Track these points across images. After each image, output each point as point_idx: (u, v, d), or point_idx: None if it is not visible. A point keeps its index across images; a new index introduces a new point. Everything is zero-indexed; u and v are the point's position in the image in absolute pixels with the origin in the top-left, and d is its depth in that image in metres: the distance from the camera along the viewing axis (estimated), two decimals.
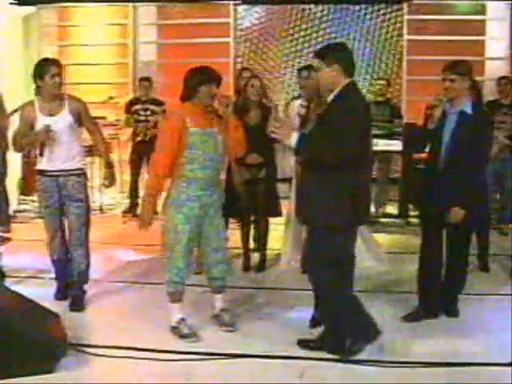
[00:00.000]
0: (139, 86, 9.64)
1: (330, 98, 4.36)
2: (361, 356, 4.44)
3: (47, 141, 5.27)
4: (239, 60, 11.07)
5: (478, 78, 7.42)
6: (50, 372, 4.13)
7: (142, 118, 9.26)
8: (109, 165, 5.65)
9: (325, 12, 10.91)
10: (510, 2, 10.30)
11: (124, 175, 9.77)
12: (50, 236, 5.54)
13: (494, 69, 10.22)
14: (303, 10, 10.95)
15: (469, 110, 4.92)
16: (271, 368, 4.34)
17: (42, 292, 5.59)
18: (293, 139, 4.29)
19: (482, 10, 10.75)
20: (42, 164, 5.41)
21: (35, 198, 9.58)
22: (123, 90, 10.85)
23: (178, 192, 4.74)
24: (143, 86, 9.51)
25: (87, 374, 4.21)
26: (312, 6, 10.95)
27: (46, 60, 5.48)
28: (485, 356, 4.45)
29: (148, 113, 9.28)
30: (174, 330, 4.85)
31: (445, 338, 4.80)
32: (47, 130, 5.22)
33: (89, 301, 5.53)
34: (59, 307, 5.11)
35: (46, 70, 5.29)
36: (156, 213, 4.86)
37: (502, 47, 10.60)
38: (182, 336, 4.80)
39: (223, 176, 6.31)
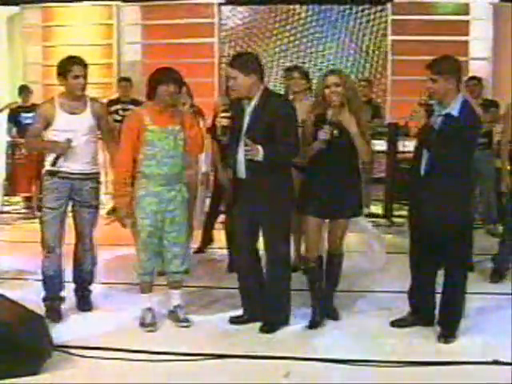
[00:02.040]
0: (118, 87, 9.67)
1: (253, 104, 4.76)
2: (350, 355, 4.46)
3: (64, 155, 5.04)
4: (224, 60, 11.07)
5: None
6: (35, 374, 4.11)
7: (121, 118, 9.24)
8: None
9: (309, 12, 10.96)
10: (492, 2, 10.40)
11: (108, 176, 9.73)
12: (47, 245, 5.16)
13: (477, 69, 10.28)
14: (288, 10, 10.98)
15: (455, 112, 4.54)
16: (257, 368, 4.34)
17: (27, 293, 5.56)
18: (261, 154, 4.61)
19: (465, 11, 10.82)
20: (56, 165, 5.10)
21: (20, 199, 9.62)
22: (108, 91, 10.83)
23: (137, 188, 4.90)
24: (122, 86, 9.57)
25: (72, 376, 4.19)
26: (297, 6, 10.99)
27: (70, 59, 5.21)
28: (475, 355, 4.47)
29: (127, 113, 9.25)
30: (140, 317, 5.04)
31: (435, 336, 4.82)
32: (68, 144, 5.01)
33: (72, 301, 5.50)
34: (43, 309, 5.09)
35: (68, 69, 5.09)
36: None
37: (486, 47, 10.68)
38: (141, 324, 4.99)
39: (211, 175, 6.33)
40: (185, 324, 5.04)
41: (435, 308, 4.95)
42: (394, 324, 5.01)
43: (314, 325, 5.02)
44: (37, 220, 6.71)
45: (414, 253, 4.94)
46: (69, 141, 5.02)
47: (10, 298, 4.57)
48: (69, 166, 5.12)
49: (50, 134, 5.14)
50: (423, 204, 4.70)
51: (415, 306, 5.02)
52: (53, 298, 5.26)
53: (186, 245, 5.18)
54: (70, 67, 5.11)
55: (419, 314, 5.00)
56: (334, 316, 5.18)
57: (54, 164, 5.08)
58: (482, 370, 4.27)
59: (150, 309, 5.06)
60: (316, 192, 4.95)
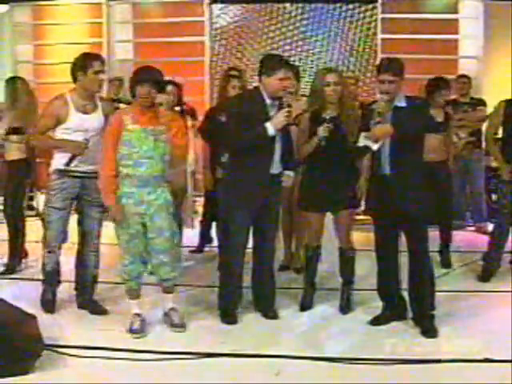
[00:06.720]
0: (110, 86, 9.67)
1: None
2: (341, 354, 4.49)
3: (79, 155, 4.97)
4: (214, 59, 11.07)
5: (451, 77, 7.54)
6: (26, 373, 4.11)
7: None
8: None
9: (299, 11, 10.94)
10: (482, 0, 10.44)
11: None
12: (49, 245, 5.18)
13: (467, 67, 10.32)
14: (278, 8, 10.98)
15: (403, 104, 4.75)
16: (247, 367, 4.35)
17: (16, 292, 5.55)
18: None
19: (455, 9, 10.84)
20: (71, 165, 5.03)
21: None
22: None
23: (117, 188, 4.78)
24: (114, 86, 9.60)
25: (63, 375, 4.19)
26: (287, 4, 10.99)
27: (89, 53, 5.14)
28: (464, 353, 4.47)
29: None
30: (129, 323, 4.93)
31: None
32: (86, 144, 4.93)
33: (64, 301, 5.49)
34: (34, 308, 5.06)
35: (89, 63, 4.98)
36: None
37: (475, 46, 10.69)
38: (129, 330, 4.86)
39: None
40: (179, 329, 4.96)
41: (404, 301, 5.05)
42: (371, 323, 5.06)
43: (303, 307, 5.34)
44: (26, 218, 6.70)
45: (380, 248, 5.01)
46: (87, 141, 4.93)
47: None
48: (80, 165, 5.05)
49: (61, 133, 5.05)
50: (390, 197, 4.76)
51: (386, 302, 5.10)
52: (49, 289, 5.30)
53: (174, 251, 4.97)
54: (91, 62, 4.99)
55: (392, 309, 5.08)
56: (345, 310, 5.32)
57: (68, 164, 4.98)
58: (473, 368, 4.27)
59: (138, 315, 4.96)
60: (315, 187, 5.16)
